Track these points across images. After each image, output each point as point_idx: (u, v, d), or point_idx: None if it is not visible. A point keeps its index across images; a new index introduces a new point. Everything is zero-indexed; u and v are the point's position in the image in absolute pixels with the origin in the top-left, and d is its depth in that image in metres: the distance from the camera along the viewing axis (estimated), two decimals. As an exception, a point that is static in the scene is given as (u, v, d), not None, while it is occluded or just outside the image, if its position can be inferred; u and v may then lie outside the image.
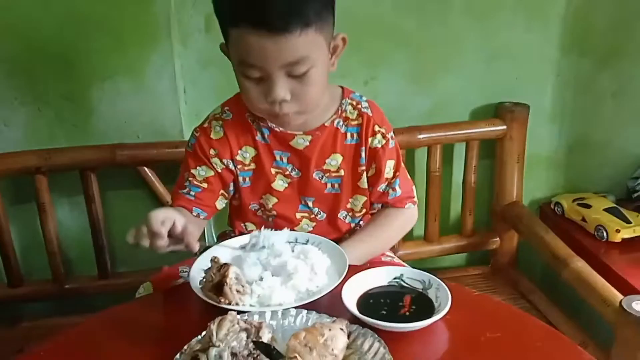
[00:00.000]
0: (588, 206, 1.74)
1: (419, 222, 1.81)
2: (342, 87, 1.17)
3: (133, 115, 1.58)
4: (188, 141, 1.17)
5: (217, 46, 1.57)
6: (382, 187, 1.17)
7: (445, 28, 1.68)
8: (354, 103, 1.14)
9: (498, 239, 1.85)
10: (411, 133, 1.65)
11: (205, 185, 1.13)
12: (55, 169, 1.52)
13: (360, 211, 1.21)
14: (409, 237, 1.79)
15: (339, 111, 1.13)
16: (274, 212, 1.17)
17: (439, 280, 0.88)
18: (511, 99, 1.76)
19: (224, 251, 0.96)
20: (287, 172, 1.15)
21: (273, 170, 1.14)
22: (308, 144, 1.12)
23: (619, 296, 1.33)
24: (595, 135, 1.87)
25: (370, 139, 1.14)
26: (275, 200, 1.17)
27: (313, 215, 1.19)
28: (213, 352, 0.63)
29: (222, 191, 1.15)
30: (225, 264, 0.85)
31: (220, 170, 1.13)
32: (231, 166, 1.13)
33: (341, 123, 1.13)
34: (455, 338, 0.81)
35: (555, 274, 1.56)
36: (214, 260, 0.87)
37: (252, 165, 1.15)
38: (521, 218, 1.74)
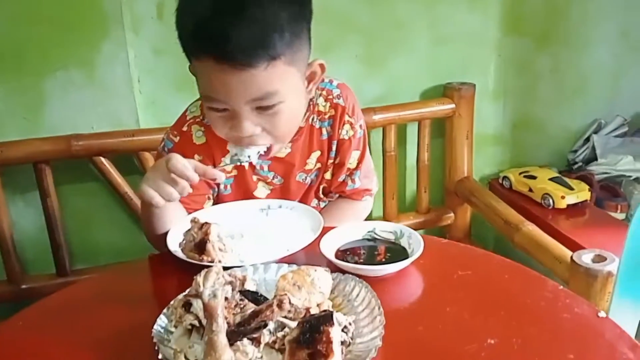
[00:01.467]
0: (534, 177, 1.84)
1: (377, 202, 1.87)
2: None
3: (87, 106, 1.56)
4: (162, 145, 1.07)
5: (171, 34, 1.59)
6: (342, 177, 1.14)
7: (394, 13, 1.75)
8: (325, 94, 1.08)
9: (452, 214, 1.92)
10: (367, 114, 1.69)
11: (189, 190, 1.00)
12: (8, 163, 1.47)
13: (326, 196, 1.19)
14: (367, 217, 1.83)
15: (311, 106, 1.07)
16: None
17: (410, 229, 0.92)
18: (458, 80, 1.85)
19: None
20: (269, 180, 1.11)
21: (254, 178, 1.10)
22: (289, 150, 1.07)
23: (569, 253, 1.41)
24: (536, 112, 1.99)
25: (339, 131, 1.09)
26: None
27: None
28: (207, 291, 0.64)
29: (206, 193, 1.08)
30: (206, 222, 0.86)
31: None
32: None
33: (315, 119, 1.08)
34: (429, 279, 0.85)
35: (507, 242, 1.64)
36: (193, 220, 0.88)
37: (234, 172, 1.09)
38: (473, 192, 1.83)
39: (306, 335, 0.63)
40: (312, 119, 1.08)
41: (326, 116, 1.09)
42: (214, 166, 1.04)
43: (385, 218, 1.85)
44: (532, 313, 0.76)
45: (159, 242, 0.97)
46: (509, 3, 1.83)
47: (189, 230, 0.87)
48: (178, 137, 1.04)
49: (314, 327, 0.63)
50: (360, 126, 1.13)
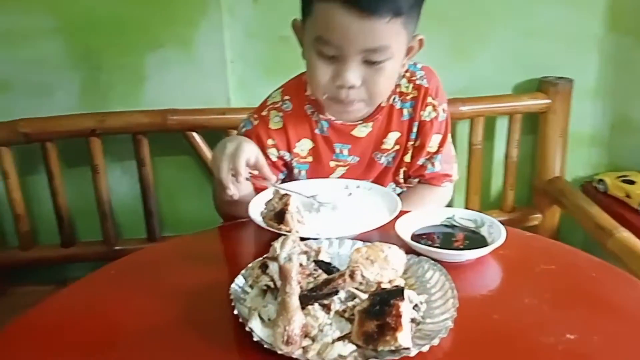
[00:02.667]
0: (632, 182, 1.72)
1: (459, 196, 1.83)
2: None
3: (183, 83, 1.64)
4: (241, 126, 1.11)
5: (265, 18, 1.65)
6: (422, 160, 1.12)
7: (484, 3, 1.69)
8: (408, 75, 1.09)
9: (540, 214, 1.84)
10: (454, 105, 1.66)
11: (255, 172, 1.01)
12: (110, 131, 1.58)
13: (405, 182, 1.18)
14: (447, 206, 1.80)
15: (394, 87, 1.07)
16: None
17: (492, 218, 0.90)
18: (554, 75, 1.76)
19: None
20: (347, 162, 1.11)
21: (332, 164, 1.10)
22: (370, 129, 1.08)
23: (666, 264, 1.32)
24: (638, 113, 1.85)
25: (421, 112, 1.09)
26: None
27: None
28: (283, 254, 0.66)
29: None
30: (286, 193, 0.88)
31: (275, 160, 1.09)
32: (287, 157, 1.09)
33: (397, 99, 1.09)
34: (509, 269, 0.83)
35: (597, 248, 1.54)
36: (275, 190, 0.90)
37: (310, 158, 1.10)
38: (564, 193, 1.74)
39: (376, 307, 0.64)
40: (394, 99, 1.08)
41: (408, 97, 1.09)
42: (289, 151, 1.08)
43: (466, 213, 1.80)
44: (617, 312, 0.72)
45: (227, 214, 1.05)
46: (611, -1, 1.72)
47: (270, 200, 0.90)
48: (257, 121, 1.08)
49: (385, 300, 0.64)
50: (444, 110, 1.11)
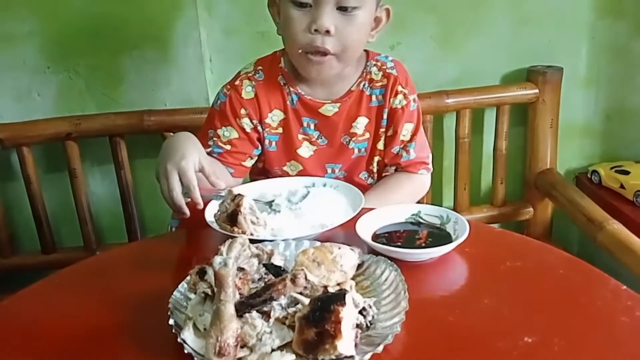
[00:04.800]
0: (627, 172, 1.67)
1: (448, 191, 1.78)
2: (366, 51, 1.16)
3: (160, 83, 1.60)
4: (216, 98, 1.15)
5: (243, 14, 1.61)
6: (396, 148, 1.15)
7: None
8: (379, 64, 1.14)
9: (531, 208, 1.79)
10: (439, 97, 1.62)
11: (228, 147, 1.12)
12: (86, 135, 1.55)
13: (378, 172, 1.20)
14: (443, 203, 1.77)
15: (364, 74, 1.13)
16: None
17: (458, 215, 0.86)
18: (543, 64, 1.70)
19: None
20: (314, 139, 1.14)
21: (300, 137, 1.14)
22: (337, 110, 1.12)
23: (659, 257, 1.26)
24: (633, 102, 1.78)
25: (392, 99, 1.12)
26: (300, 167, 1.15)
27: (334, 176, 1.17)
28: (218, 259, 0.62)
29: (247, 153, 1.14)
30: (239, 194, 0.84)
31: (249, 131, 1.12)
32: (259, 128, 1.12)
33: (366, 85, 1.13)
34: (473, 268, 0.79)
35: (592, 243, 1.49)
36: (228, 191, 0.86)
37: (280, 130, 1.14)
38: (555, 185, 1.68)
39: (316, 313, 0.60)
40: (364, 85, 1.13)
41: (378, 84, 1.13)
42: (260, 121, 1.11)
43: (456, 209, 1.75)
44: (583, 313, 0.67)
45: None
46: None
47: (223, 201, 0.86)
48: (230, 91, 1.11)
49: (325, 306, 0.60)
50: (414, 100, 1.15)
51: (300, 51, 1.03)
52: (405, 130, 1.14)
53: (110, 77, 1.59)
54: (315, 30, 0.99)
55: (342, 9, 0.99)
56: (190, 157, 0.91)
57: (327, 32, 0.99)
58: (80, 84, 1.59)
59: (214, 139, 1.12)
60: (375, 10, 1.06)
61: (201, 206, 0.89)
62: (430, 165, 1.20)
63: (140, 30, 1.56)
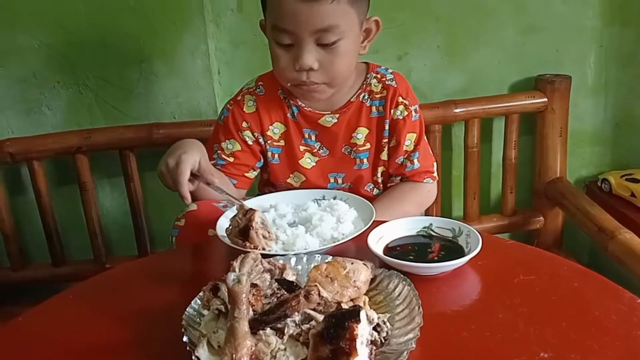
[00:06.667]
0: (637, 181, 1.65)
1: (457, 201, 1.78)
2: (367, 63, 1.19)
3: (169, 96, 1.61)
4: (220, 114, 1.20)
5: (250, 26, 1.62)
6: (400, 159, 1.16)
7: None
8: (379, 76, 1.16)
9: (542, 217, 1.78)
10: (447, 107, 1.62)
11: (231, 159, 1.16)
12: (95, 148, 1.56)
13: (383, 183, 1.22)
14: (446, 217, 1.74)
15: (364, 85, 1.15)
16: None
17: (470, 227, 0.85)
18: (551, 72, 1.70)
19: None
20: (315, 150, 1.17)
21: (301, 148, 1.17)
22: (336, 121, 1.14)
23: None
24: (642, 109, 1.78)
25: (392, 110, 1.14)
26: (303, 178, 1.18)
27: (337, 186, 1.19)
28: (231, 276, 0.62)
29: (250, 165, 1.17)
30: (250, 209, 0.84)
31: (251, 144, 1.16)
32: (261, 140, 1.16)
33: (366, 97, 1.15)
34: (486, 281, 0.78)
35: (604, 252, 1.48)
36: (240, 206, 0.87)
37: (282, 142, 1.17)
38: (565, 194, 1.67)
39: (330, 331, 0.59)
40: (363, 97, 1.14)
41: (377, 96, 1.14)
42: (262, 133, 1.15)
43: (465, 219, 1.74)
44: (599, 327, 0.67)
45: None
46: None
47: (234, 215, 0.86)
48: (232, 106, 1.16)
49: (339, 322, 0.59)
50: (416, 111, 1.16)
51: (289, 84, 1.07)
52: (408, 140, 1.15)
53: (120, 90, 1.60)
54: (299, 68, 1.02)
55: (322, 45, 1.00)
56: (191, 153, 0.96)
57: (311, 68, 1.01)
58: (90, 98, 1.60)
59: (218, 152, 1.16)
60: (360, 29, 1.06)
61: (188, 201, 0.96)
62: (435, 174, 1.20)
63: (149, 43, 1.57)
